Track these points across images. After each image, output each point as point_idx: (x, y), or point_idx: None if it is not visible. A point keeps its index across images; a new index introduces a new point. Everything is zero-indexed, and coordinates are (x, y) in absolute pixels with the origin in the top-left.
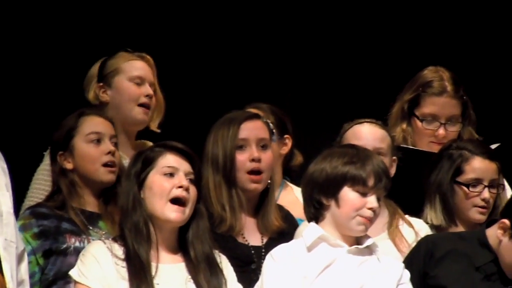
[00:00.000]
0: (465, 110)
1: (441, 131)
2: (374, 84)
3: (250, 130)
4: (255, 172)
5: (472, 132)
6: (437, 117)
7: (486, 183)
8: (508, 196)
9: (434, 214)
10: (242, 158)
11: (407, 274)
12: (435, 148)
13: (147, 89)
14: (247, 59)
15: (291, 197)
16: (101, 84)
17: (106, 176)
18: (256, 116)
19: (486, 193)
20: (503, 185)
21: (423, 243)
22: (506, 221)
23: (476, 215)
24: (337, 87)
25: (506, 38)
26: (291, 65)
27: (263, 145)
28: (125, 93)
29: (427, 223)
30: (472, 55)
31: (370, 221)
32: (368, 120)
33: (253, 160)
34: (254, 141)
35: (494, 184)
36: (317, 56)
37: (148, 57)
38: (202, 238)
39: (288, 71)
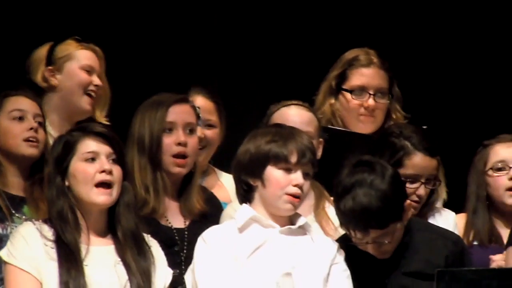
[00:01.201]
0: (391, 86)
1: (371, 101)
2: (300, 67)
3: (178, 114)
4: (181, 156)
5: (398, 109)
6: (366, 88)
7: (423, 180)
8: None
9: None
10: (169, 141)
11: (341, 253)
12: (365, 123)
13: (96, 79)
14: (182, 47)
15: (214, 182)
16: (51, 68)
17: (27, 149)
18: (184, 100)
19: (421, 190)
20: (439, 181)
21: None
22: None
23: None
24: (263, 70)
25: (426, 20)
26: (218, 50)
27: (190, 130)
28: (76, 79)
29: None
30: (399, 37)
31: (299, 198)
32: (295, 102)
33: (179, 144)
34: (182, 125)
35: (430, 180)
36: (242, 41)
37: (97, 48)
38: (127, 214)
39: (214, 56)
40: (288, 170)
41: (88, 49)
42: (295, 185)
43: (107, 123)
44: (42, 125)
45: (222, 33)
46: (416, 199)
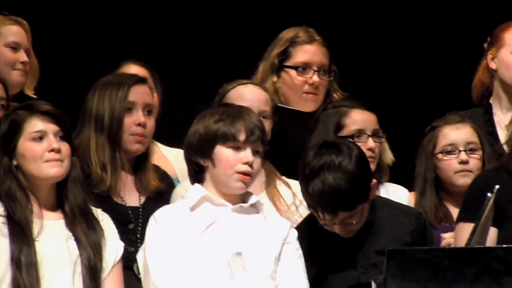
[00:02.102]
0: (331, 64)
1: (315, 77)
2: (240, 46)
3: (139, 94)
4: (139, 135)
5: (337, 87)
6: (310, 64)
7: (369, 133)
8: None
9: None
10: (129, 121)
11: (293, 233)
12: (308, 100)
13: (22, 55)
14: (122, 24)
15: (158, 156)
16: None
17: None
18: (144, 81)
19: (371, 143)
20: (385, 133)
21: None
22: None
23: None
24: (206, 50)
25: None
26: (164, 31)
27: (148, 110)
28: (1, 59)
29: None
30: (337, 16)
31: (250, 176)
32: (250, 81)
33: (139, 124)
34: (142, 105)
35: (377, 134)
36: (186, 22)
37: (24, 21)
38: (75, 189)
39: (161, 37)
40: (237, 149)
41: (14, 24)
42: (245, 163)
43: (35, 96)
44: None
45: (160, 14)
46: (369, 153)
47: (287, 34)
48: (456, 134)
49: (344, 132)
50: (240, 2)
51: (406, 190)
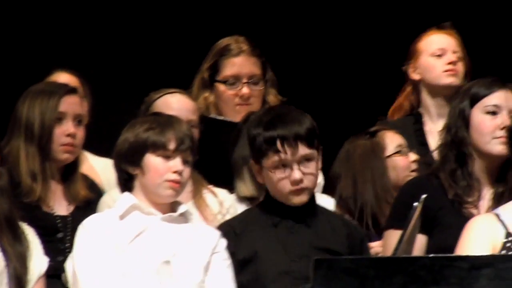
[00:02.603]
0: (265, 71)
1: (245, 89)
2: (177, 57)
3: (69, 105)
4: (69, 145)
5: (274, 93)
6: (239, 77)
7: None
8: None
9: (245, 187)
10: (59, 131)
11: (222, 242)
12: (242, 112)
13: None
14: (51, 31)
15: (86, 165)
16: None
17: None
18: (75, 91)
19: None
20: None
21: None
22: None
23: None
24: (137, 59)
25: None
26: (94, 38)
27: (79, 120)
28: None
29: (241, 196)
30: (275, 22)
31: (179, 184)
32: (178, 90)
33: (69, 135)
34: (72, 115)
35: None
36: (115, 28)
37: None
38: (1, 199)
39: (91, 45)
40: (167, 157)
41: None
42: (174, 172)
43: None
44: None
45: (90, 22)
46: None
47: (217, 46)
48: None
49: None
50: (168, 11)
51: (332, 199)
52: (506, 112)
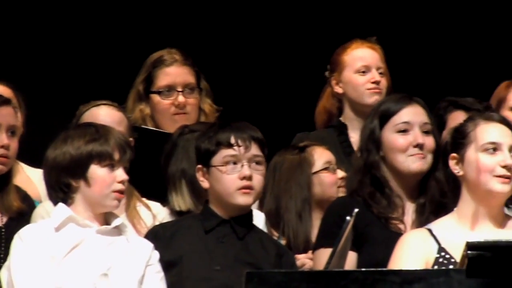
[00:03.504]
0: (199, 80)
1: (180, 98)
2: (112, 68)
3: (3, 116)
4: (2, 157)
5: (209, 102)
6: (173, 86)
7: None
8: None
9: (182, 200)
10: None
11: (156, 254)
12: (179, 121)
13: None
14: None
15: (21, 176)
16: None
17: None
18: (8, 102)
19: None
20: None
21: None
22: None
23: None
24: (71, 70)
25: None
26: (27, 49)
27: (12, 131)
28: None
29: (176, 210)
30: (212, 32)
31: (123, 194)
32: (105, 102)
33: (2, 146)
34: (5, 127)
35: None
36: (48, 38)
37: None
38: None
39: (23, 56)
40: (112, 167)
41: None
42: (120, 182)
43: None
44: None
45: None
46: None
47: (151, 58)
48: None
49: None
50: (103, 25)
51: (262, 214)
52: (417, 128)
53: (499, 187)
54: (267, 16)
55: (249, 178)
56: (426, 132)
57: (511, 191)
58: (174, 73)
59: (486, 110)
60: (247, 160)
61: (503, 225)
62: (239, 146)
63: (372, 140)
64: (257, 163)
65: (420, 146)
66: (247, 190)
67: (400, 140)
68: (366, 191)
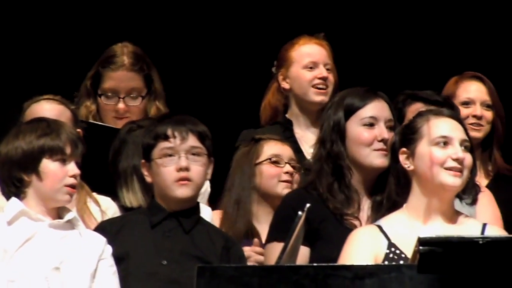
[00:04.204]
0: (150, 84)
1: (121, 105)
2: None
3: None
4: None
5: (159, 106)
6: (116, 91)
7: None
8: None
9: (134, 196)
10: None
11: (109, 249)
12: (120, 124)
13: None
14: None
15: None
16: None
17: None
18: None
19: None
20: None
21: None
22: None
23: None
24: (20, 64)
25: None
26: None
27: None
28: None
29: (126, 206)
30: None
31: (75, 189)
32: (46, 96)
33: None
34: None
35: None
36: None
37: None
38: None
39: None
40: (63, 162)
41: None
42: (72, 176)
43: None
44: None
45: None
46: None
47: (104, 54)
48: (282, 148)
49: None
50: (54, 19)
51: (209, 209)
52: (383, 123)
53: (450, 180)
54: (214, 13)
55: (186, 169)
56: (389, 128)
57: (462, 185)
58: (119, 78)
59: (446, 102)
60: (184, 152)
61: (454, 221)
62: (175, 138)
63: (337, 131)
64: (196, 154)
65: (385, 141)
66: (185, 182)
67: (366, 134)
68: (325, 182)
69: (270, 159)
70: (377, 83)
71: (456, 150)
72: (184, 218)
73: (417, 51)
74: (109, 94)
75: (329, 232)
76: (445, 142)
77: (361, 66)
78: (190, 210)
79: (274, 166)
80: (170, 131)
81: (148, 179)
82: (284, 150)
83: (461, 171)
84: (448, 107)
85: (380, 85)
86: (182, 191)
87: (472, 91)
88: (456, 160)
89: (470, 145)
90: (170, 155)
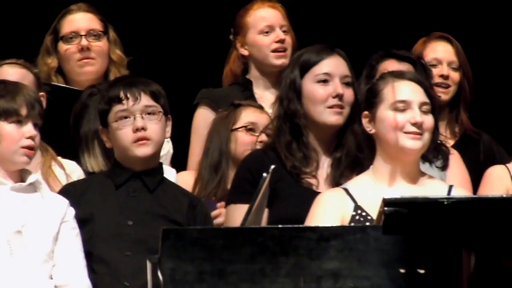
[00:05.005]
0: (106, 29)
1: (84, 42)
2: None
3: None
4: None
5: (119, 53)
6: (77, 31)
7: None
8: None
9: (95, 161)
10: None
11: (71, 211)
12: (85, 66)
13: None
14: None
15: None
16: None
17: None
18: None
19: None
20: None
21: None
22: None
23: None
24: None
25: None
26: None
27: None
28: None
29: (88, 171)
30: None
31: (33, 150)
32: (8, 61)
33: None
34: None
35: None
36: None
37: None
38: None
39: None
40: (20, 123)
41: None
42: (29, 137)
43: None
44: None
45: None
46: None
47: (59, 14)
48: (260, 117)
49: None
50: None
51: (173, 170)
52: (338, 79)
53: (410, 143)
54: None
55: (143, 129)
56: (346, 84)
57: (423, 147)
58: (78, 19)
59: (418, 61)
60: (139, 112)
61: (420, 183)
62: (128, 99)
63: (293, 90)
64: (151, 113)
65: (339, 96)
66: (143, 141)
67: (320, 91)
68: (283, 141)
69: (246, 126)
70: (342, 44)
71: (414, 114)
72: (148, 178)
73: (383, 12)
74: (70, 36)
75: (286, 192)
76: (404, 106)
77: (327, 27)
78: (153, 170)
79: (249, 134)
80: (122, 93)
81: (108, 144)
82: (261, 118)
83: (420, 134)
84: (420, 66)
85: (345, 47)
86: (142, 150)
87: (439, 51)
88: (415, 124)
89: (432, 107)
90: (126, 117)
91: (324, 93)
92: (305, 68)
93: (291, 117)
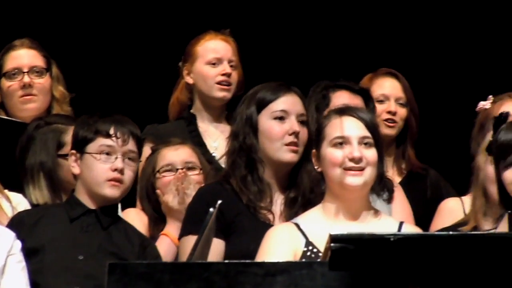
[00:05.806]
0: (49, 65)
1: (26, 78)
2: None
3: None
4: None
5: (60, 88)
6: (19, 67)
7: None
8: None
9: (40, 193)
10: None
11: (18, 244)
12: (26, 103)
13: None
14: None
15: None
16: None
17: None
18: None
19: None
20: None
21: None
22: None
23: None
24: None
25: None
26: None
27: None
28: None
29: (33, 203)
30: None
31: None
32: None
33: None
34: None
35: None
36: None
37: None
38: None
39: None
40: None
41: None
42: None
43: None
44: None
45: None
46: None
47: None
48: (175, 154)
49: (65, 151)
50: None
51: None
52: (294, 117)
53: (350, 180)
54: (124, 7)
55: (121, 171)
56: (301, 122)
57: (366, 183)
58: (21, 55)
59: (364, 93)
60: (122, 154)
61: (366, 219)
62: (117, 138)
63: (249, 125)
64: (131, 159)
65: (296, 134)
66: (116, 183)
67: (277, 128)
68: (239, 174)
69: (161, 168)
70: (289, 79)
71: (352, 149)
72: (102, 215)
73: (329, 47)
74: (13, 72)
75: (244, 226)
76: (342, 142)
77: (274, 63)
78: (109, 207)
79: (168, 175)
80: (113, 129)
81: (75, 170)
82: (176, 156)
83: (361, 169)
84: (366, 98)
85: (292, 81)
86: (112, 191)
87: (387, 87)
88: (352, 159)
89: (375, 141)
90: (108, 153)
91: (280, 130)
92: (262, 104)
93: (247, 152)
